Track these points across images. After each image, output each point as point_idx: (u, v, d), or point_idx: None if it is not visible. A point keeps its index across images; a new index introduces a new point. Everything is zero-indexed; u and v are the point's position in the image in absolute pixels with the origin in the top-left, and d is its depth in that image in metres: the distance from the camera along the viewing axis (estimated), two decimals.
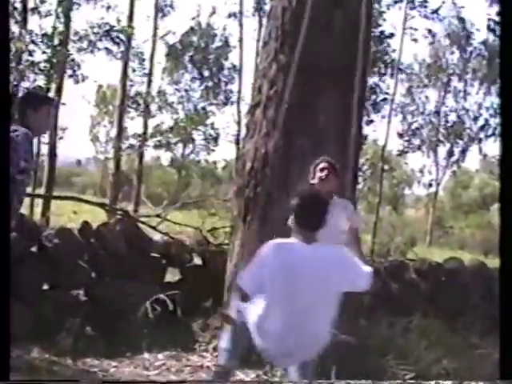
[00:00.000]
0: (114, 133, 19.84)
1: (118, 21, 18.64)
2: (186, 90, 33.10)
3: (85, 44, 17.41)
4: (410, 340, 7.04)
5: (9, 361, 3.56)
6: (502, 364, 2.77)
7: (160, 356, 6.07)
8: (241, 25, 28.99)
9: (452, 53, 33.50)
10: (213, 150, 32.32)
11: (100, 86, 40.08)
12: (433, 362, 6.50)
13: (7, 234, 3.49)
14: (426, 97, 35.41)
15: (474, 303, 8.29)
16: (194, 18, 31.97)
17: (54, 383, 5.01)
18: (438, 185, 38.56)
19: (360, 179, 27.99)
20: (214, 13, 32.37)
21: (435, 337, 7.27)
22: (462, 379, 5.30)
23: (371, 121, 21.45)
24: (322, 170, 5.50)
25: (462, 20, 28.93)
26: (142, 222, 8.00)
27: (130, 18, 22.39)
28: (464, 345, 7.18)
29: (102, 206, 8.91)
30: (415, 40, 22.45)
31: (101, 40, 17.83)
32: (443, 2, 22.65)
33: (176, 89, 33.18)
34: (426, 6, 21.23)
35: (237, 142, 24.70)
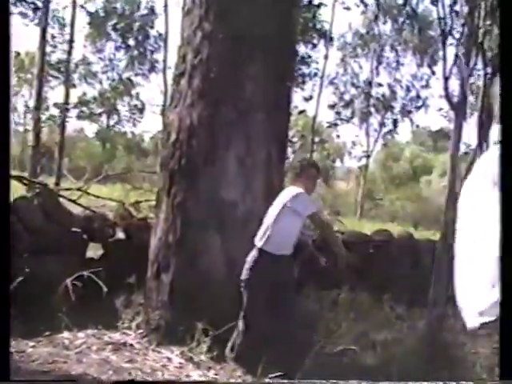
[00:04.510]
0: (32, 103, 18.86)
1: None
2: (110, 59, 32.33)
3: None
4: (337, 313, 7.02)
5: (9, 361, 3.34)
6: (502, 364, 2.68)
7: (80, 334, 5.83)
8: None
9: (384, 23, 33.71)
10: (139, 121, 31.87)
11: (17, 53, 38.26)
12: (360, 334, 6.49)
13: (7, 232, 3.27)
14: (360, 67, 35.70)
15: (401, 275, 8.32)
16: None
17: (54, 383, 4.77)
18: (368, 157, 38.90)
19: (290, 151, 28.01)
20: None
21: (363, 309, 7.27)
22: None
23: (311, 97, 21.37)
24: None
25: None
26: (62, 196, 7.67)
27: None
28: (391, 317, 7.21)
29: (19, 179, 8.48)
30: (347, 8, 22.58)
31: (15, 4, 17.05)
32: None
33: (99, 57, 32.40)
34: None
35: (163, 113, 24.28)
